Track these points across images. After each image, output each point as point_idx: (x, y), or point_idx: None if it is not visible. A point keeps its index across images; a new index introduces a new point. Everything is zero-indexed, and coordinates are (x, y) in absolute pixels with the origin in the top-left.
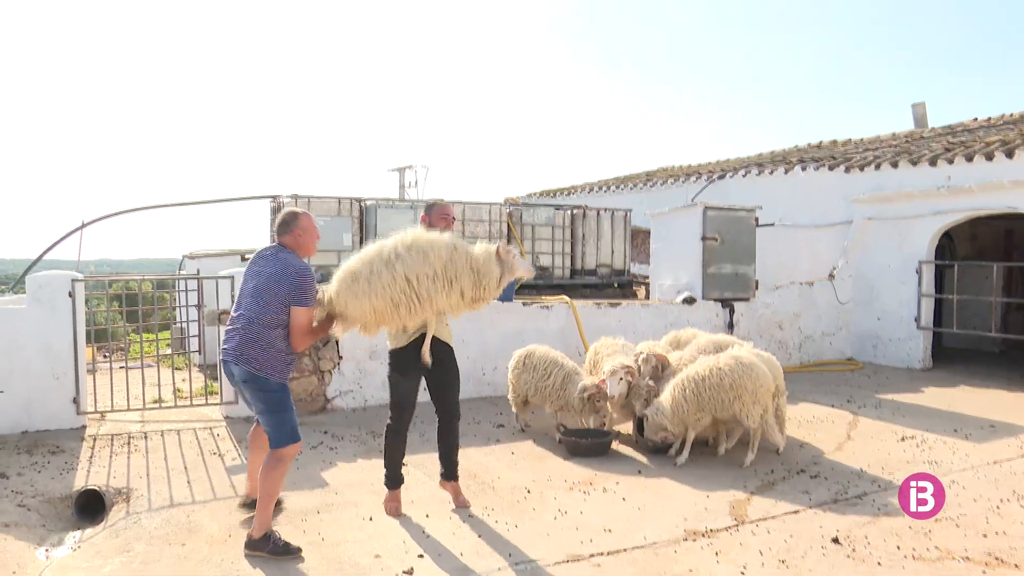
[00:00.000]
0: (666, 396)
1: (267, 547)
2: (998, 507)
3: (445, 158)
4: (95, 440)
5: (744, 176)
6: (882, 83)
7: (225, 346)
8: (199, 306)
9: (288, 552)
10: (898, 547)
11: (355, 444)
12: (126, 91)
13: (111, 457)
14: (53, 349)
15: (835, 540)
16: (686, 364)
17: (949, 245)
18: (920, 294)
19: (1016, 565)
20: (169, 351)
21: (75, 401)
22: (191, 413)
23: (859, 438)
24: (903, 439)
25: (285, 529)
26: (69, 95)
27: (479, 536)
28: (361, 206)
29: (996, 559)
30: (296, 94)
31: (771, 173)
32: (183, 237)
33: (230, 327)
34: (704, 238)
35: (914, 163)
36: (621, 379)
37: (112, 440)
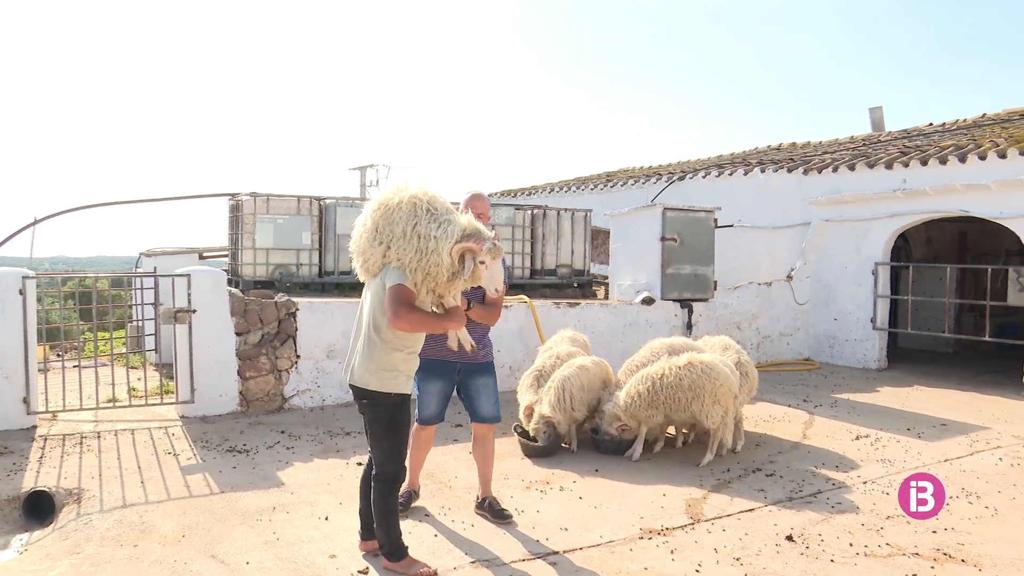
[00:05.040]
0: (623, 391)
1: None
2: (947, 504)
3: (406, 157)
4: (46, 440)
5: (704, 177)
6: (841, 87)
7: None
8: (155, 304)
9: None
10: (850, 544)
11: (312, 444)
12: (82, 85)
13: (62, 457)
14: (2, 348)
15: (789, 538)
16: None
17: (905, 247)
18: (876, 295)
19: (963, 560)
20: (124, 350)
21: (25, 400)
22: (146, 412)
23: (815, 437)
24: (857, 438)
25: (239, 529)
26: (22, 87)
27: (435, 535)
28: (320, 205)
29: (944, 554)
30: (257, 92)
31: (731, 174)
32: (141, 235)
33: None
34: (663, 239)
35: (871, 166)
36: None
37: (64, 440)
